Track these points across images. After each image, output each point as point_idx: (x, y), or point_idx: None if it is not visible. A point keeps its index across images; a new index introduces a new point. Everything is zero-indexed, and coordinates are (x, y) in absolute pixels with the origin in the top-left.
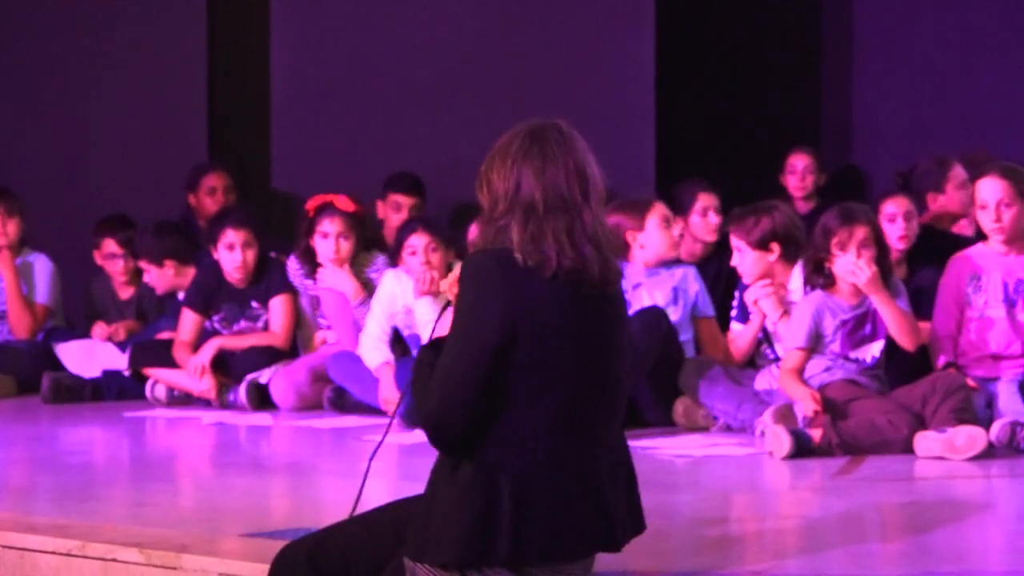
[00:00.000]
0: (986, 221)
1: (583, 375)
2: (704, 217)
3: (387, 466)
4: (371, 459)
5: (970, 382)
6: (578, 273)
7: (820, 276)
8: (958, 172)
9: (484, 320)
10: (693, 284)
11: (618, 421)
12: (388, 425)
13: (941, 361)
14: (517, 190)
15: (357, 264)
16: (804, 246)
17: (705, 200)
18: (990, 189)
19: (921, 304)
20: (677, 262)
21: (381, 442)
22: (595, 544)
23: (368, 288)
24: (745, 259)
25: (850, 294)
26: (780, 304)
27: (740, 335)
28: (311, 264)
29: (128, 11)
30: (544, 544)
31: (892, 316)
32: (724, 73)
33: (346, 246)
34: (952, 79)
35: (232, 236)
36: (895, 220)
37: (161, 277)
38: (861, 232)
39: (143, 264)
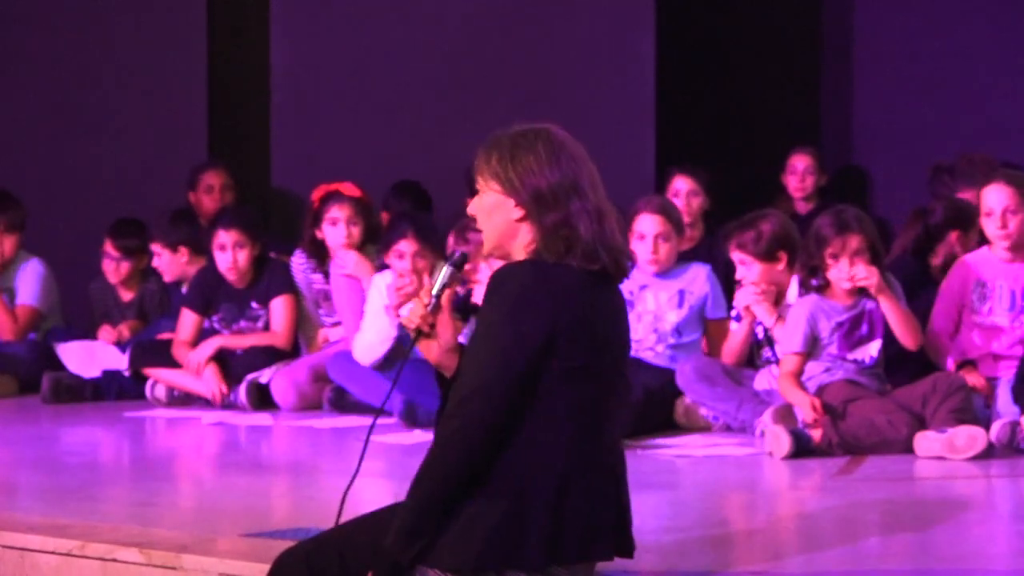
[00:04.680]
0: (991, 228)
1: (606, 374)
2: (678, 200)
3: (387, 466)
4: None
5: (981, 379)
6: (613, 266)
7: (814, 279)
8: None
9: (525, 343)
10: (703, 285)
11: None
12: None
13: (951, 363)
14: (559, 183)
15: (365, 255)
16: (801, 249)
17: (678, 183)
18: (996, 196)
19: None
20: (689, 260)
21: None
22: (616, 546)
23: None
24: (752, 272)
25: (844, 296)
26: (773, 309)
27: (731, 337)
28: (319, 256)
29: (128, 11)
30: (578, 547)
31: (897, 317)
32: (724, 73)
33: (355, 232)
34: (952, 79)
35: (223, 237)
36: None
37: (173, 263)
38: (854, 241)
39: (156, 248)
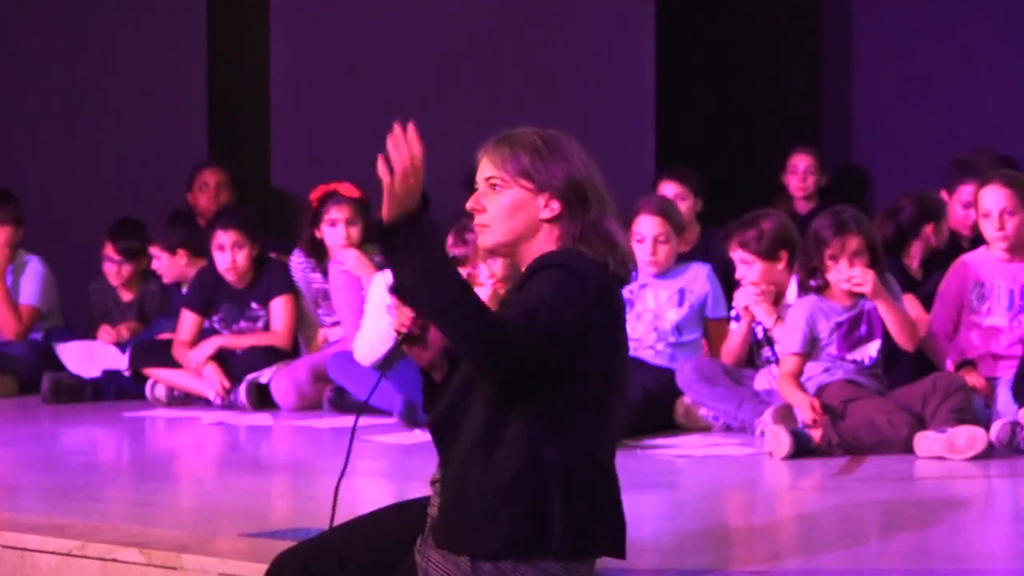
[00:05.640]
0: (989, 229)
1: (612, 376)
2: None
3: (387, 466)
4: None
5: (981, 379)
6: (628, 275)
7: (813, 280)
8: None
9: (570, 314)
10: (704, 284)
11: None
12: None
13: (950, 363)
14: (586, 181)
15: (364, 253)
16: (799, 249)
17: (664, 188)
18: (993, 198)
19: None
20: (689, 260)
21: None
22: (615, 546)
23: None
24: (753, 271)
25: (843, 296)
26: (773, 309)
27: (730, 337)
28: (317, 255)
29: (128, 11)
30: (581, 546)
31: (894, 319)
32: (724, 73)
33: (354, 232)
34: (952, 79)
35: (222, 237)
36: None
37: (172, 265)
38: (853, 243)
39: (154, 250)
